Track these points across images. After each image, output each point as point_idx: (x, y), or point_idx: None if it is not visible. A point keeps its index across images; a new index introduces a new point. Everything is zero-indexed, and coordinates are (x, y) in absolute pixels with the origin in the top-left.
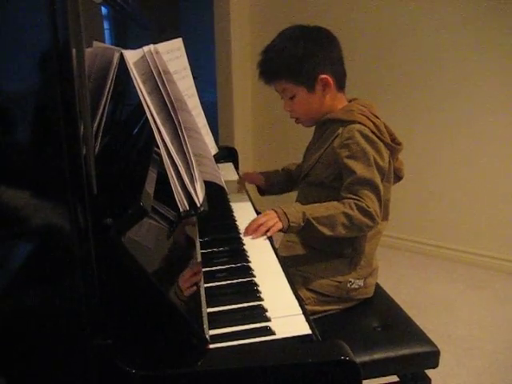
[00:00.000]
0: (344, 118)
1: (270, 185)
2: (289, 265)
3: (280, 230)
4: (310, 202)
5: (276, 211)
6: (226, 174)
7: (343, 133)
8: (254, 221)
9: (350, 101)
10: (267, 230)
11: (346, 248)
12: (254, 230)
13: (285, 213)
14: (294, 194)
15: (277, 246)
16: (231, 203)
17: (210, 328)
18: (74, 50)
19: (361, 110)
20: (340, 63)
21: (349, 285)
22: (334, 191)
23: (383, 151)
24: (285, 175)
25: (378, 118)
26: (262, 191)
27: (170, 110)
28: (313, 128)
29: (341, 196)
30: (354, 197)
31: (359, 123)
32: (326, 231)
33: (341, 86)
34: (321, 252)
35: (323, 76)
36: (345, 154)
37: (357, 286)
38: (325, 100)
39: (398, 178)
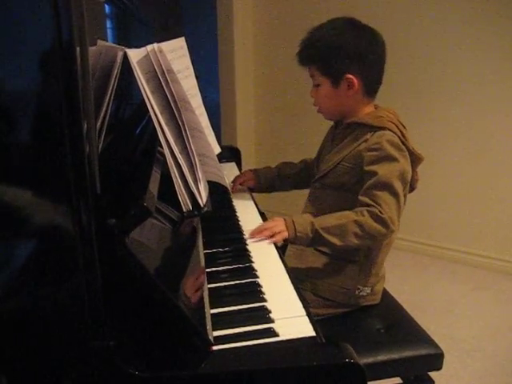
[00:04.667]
0: (374, 123)
1: (258, 181)
2: (297, 271)
3: (286, 240)
4: (322, 205)
5: (285, 219)
6: (229, 173)
7: (372, 138)
8: (260, 225)
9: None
10: (272, 236)
11: (357, 254)
12: (258, 232)
13: (293, 222)
14: (301, 193)
15: (286, 253)
16: (234, 203)
17: (214, 329)
18: (77, 49)
19: (390, 118)
20: (376, 69)
21: (357, 292)
22: (353, 195)
23: (409, 160)
24: (276, 172)
25: (404, 127)
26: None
27: (173, 109)
28: (317, 128)
29: (358, 200)
30: (369, 202)
31: (389, 130)
32: (337, 241)
33: (369, 91)
34: (330, 258)
35: (350, 76)
36: (370, 159)
37: (365, 294)
38: (347, 100)
39: (411, 188)
